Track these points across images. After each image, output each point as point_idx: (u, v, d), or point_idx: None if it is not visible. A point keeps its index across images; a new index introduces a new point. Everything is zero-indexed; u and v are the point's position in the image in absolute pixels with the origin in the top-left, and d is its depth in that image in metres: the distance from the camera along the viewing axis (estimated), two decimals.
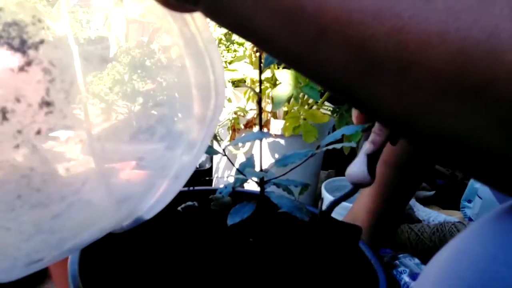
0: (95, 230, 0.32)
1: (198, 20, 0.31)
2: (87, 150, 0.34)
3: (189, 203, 0.61)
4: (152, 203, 0.35)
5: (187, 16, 0.30)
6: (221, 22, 0.24)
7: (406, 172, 0.74)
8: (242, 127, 1.02)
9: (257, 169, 0.54)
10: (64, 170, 0.30)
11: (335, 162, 1.34)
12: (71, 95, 0.29)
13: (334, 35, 0.20)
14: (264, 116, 1.03)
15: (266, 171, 0.51)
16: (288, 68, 0.95)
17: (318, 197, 1.17)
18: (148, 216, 0.35)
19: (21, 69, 0.27)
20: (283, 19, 0.20)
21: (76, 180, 0.30)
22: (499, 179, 0.21)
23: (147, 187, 0.35)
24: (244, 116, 1.03)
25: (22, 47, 0.26)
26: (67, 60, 0.30)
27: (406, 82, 0.19)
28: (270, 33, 0.21)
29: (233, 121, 1.02)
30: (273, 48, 0.23)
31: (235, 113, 1.03)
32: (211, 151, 0.51)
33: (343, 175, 1.28)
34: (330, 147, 0.48)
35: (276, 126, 1.00)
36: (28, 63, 0.27)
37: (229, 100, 1.09)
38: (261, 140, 0.52)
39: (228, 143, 1.04)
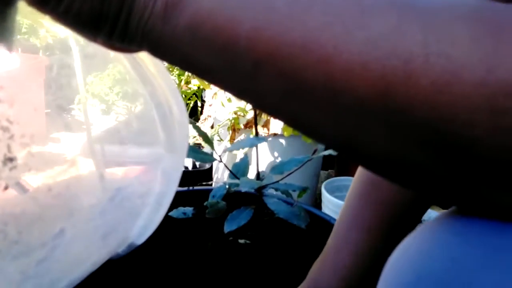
0: (88, 265, 0.32)
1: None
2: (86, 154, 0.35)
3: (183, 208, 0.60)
4: (140, 229, 0.36)
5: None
6: (165, 60, 0.25)
7: None
8: (242, 127, 1.02)
9: (255, 170, 0.54)
10: (39, 216, 0.31)
11: (335, 162, 1.35)
12: (33, 147, 0.30)
13: (268, 67, 0.21)
14: (264, 115, 1.03)
15: (262, 178, 0.51)
16: None
17: (318, 197, 1.17)
18: (140, 241, 0.37)
19: None
20: (220, 54, 0.22)
21: (53, 225, 0.31)
22: (436, 191, 0.22)
23: (131, 217, 0.36)
24: (244, 116, 1.03)
25: None
26: (23, 115, 0.31)
27: (337, 108, 0.21)
28: (211, 67, 0.23)
29: (233, 121, 1.02)
30: (216, 80, 0.24)
31: (235, 113, 1.03)
32: (206, 159, 0.50)
33: (343, 175, 1.28)
34: (326, 153, 0.48)
35: (276, 125, 1.00)
36: None
37: (229, 100, 1.09)
38: (257, 146, 0.52)
39: (229, 143, 1.04)
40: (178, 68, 1.28)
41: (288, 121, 0.24)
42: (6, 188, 0.28)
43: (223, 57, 0.22)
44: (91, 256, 0.32)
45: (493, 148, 0.18)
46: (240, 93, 0.24)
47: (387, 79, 0.19)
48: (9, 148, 0.29)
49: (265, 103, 0.23)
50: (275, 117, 0.24)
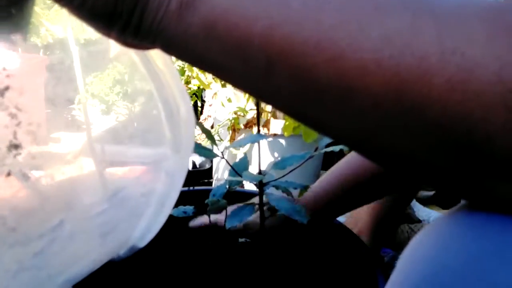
0: (87, 263, 0.32)
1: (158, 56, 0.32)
2: (87, 154, 0.35)
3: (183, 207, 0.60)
4: (143, 231, 0.36)
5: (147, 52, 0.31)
6: (178, 57, 0.25)
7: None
8: (242, 127, 1.02)
9: (256, 169, 0.54)
10: (39, 206, 0.31)
11: (335, 162, 1.34)
12: (38, 135, 0.30)
13: (280, 65, 0.21)
14: (264, 115, 1.03)
15: (264, 173, 0.50)
16: None
17: None
18: (142, 244, 0.36)
19: None
20: (233, 52, 0.22)
21: (52, 216, 0.31)
22: (445, 184, 0.22)
23: (133, 217, 0.36)
24: (244, 116, 1.03)
25: None
26: (32, 103, 0.31)
27: (349, 106, 0.20)
28: (224, 65, 0.23)
29: (233, 121, 1.02)
30: (231, 78, 0.24)
31: (235, 113, 1.03)
32: (210, 154, 0.50)
33: None
34: (329, 149, 0.48)
35: (276, 125, 1.00)
36: None
37: (229, 100, 1.09)
38: (259, 142, 0.52)
39: (228, 143, 1.04)
40: (178, 67, 1.28)
41: (300, 119, 0.24)
42: (8, 174, 0.28)
43: (237, 56, 0.22)
44: (90, 254, 0.32)
45: (508, 145, 0.18)
46: (253, 91, 0.24)
47: (401, 77, 0.19)
48: (15, 135, 0.29)
49: (278, 101, 0.23)
50: (288, 114, 0.24)
